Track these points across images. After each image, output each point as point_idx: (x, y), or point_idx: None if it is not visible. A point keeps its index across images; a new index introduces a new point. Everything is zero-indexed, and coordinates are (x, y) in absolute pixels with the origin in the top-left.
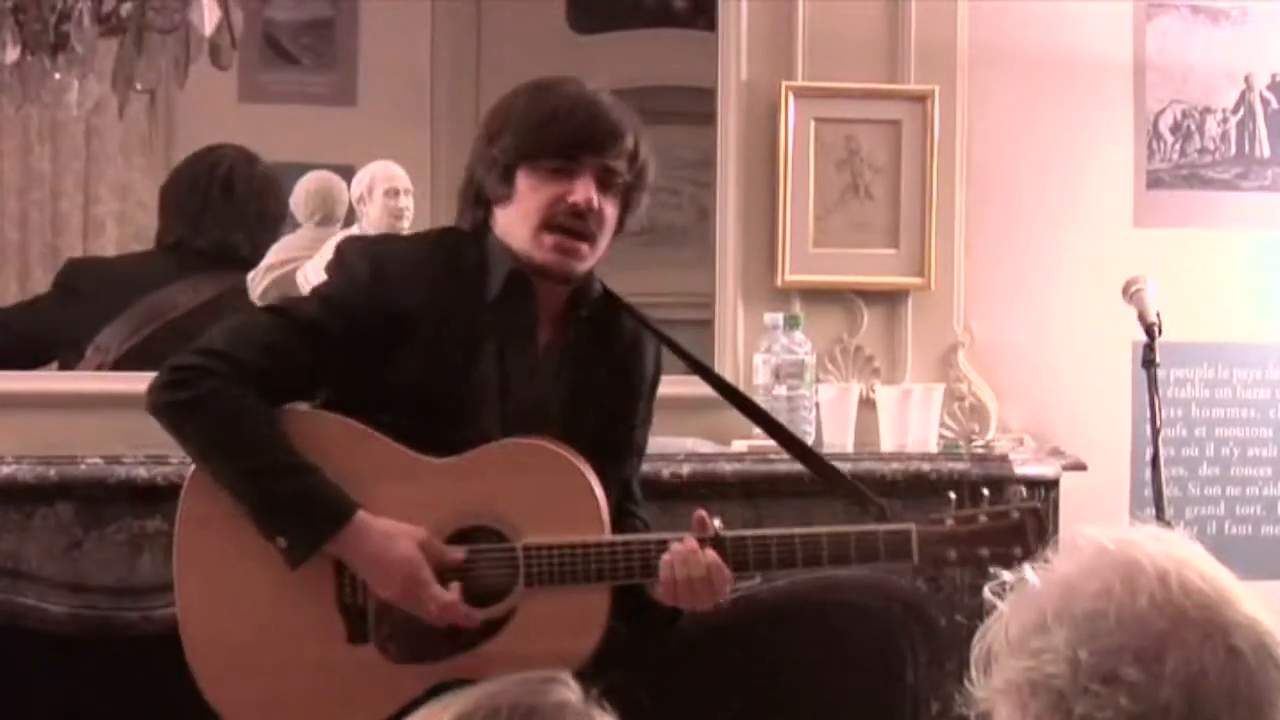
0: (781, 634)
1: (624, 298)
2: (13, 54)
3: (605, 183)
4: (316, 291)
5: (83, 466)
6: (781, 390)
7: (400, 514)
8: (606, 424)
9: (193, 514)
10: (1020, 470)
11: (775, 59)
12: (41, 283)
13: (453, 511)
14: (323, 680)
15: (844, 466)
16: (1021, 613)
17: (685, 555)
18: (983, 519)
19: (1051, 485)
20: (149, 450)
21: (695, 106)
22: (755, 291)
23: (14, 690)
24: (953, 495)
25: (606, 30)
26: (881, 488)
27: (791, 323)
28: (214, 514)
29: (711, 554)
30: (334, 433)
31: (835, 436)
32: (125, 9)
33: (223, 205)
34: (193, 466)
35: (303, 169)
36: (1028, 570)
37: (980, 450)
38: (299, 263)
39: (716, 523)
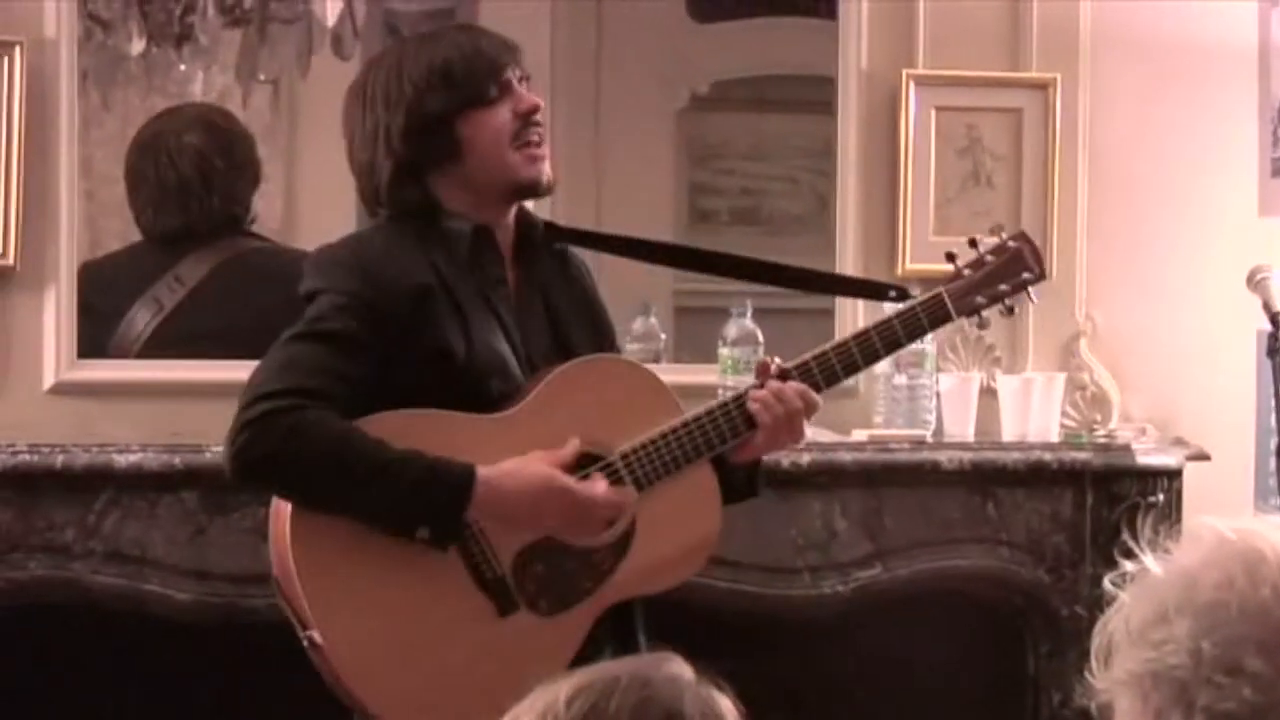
0: (902, 624)
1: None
2: (138, 45)
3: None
4: (323, 308)
5: (208, 455)
6: (902, 379)
7: None
8: (594, 337)
9: (309, 561)
10: (1143, 460)
11: (896, 47)
12: None
13: (549, 450)
14: (488, 664)
15: (965, 455)
16: (1143, 603)
17: (777, 393)
18: (989, 259)
19: (1175, 475)
20: None
21: (815, 95)
22: None
23: (139, 677)
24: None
25: (727, 19)
26: (1003, 477)
27: None
28: (329, 556)
29: (795, 383)
30: (407, 426)
31: (956, 426)
32: (248, 0)
33: (197, 182)
34: (287, 522)
35: None
36: (1149, 560)
37: (1102, 440)
38: None
39: (777, 360)
